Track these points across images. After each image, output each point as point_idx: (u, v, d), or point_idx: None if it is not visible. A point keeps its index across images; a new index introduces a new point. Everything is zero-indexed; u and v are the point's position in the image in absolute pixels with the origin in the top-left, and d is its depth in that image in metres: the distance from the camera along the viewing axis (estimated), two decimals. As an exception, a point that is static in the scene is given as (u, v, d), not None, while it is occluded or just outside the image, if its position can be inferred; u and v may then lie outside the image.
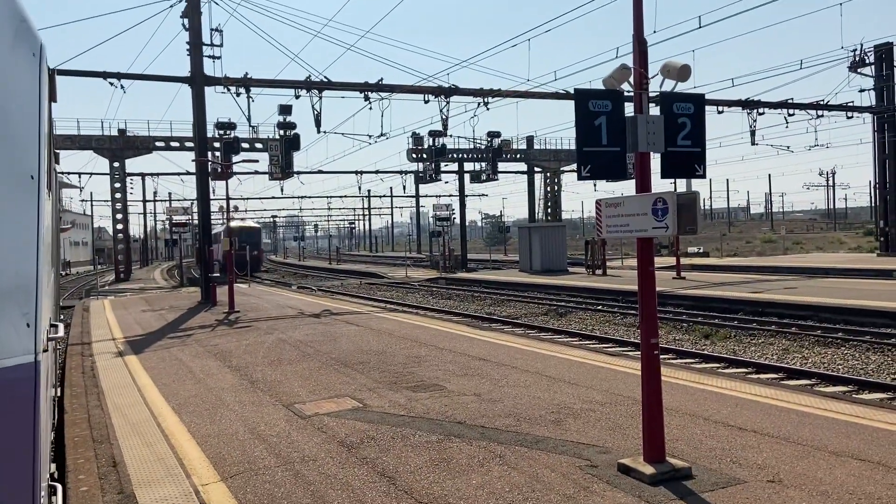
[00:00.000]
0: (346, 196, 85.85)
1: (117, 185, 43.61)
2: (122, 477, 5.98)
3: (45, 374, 3.66)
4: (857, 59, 28.61)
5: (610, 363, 10.33)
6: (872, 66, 28.24)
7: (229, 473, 5.90)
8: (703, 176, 6.13)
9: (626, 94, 5.75)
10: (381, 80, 25.75)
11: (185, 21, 23.64)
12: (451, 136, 36.90)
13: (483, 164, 46.26)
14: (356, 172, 58.07)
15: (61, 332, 4.60)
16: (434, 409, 7.77)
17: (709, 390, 8.36)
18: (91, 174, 76.28)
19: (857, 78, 29.60)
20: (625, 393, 8.25)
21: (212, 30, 24.26)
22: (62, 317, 21.16)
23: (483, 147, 45.09)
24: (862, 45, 28.69)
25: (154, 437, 7.16)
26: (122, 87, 23.34)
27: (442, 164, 43.18)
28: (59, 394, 9.29)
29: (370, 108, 26.64)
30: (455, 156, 48.12)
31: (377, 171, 59.84)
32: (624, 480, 5.38)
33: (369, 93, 25.92)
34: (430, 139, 40.37)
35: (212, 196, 26.94)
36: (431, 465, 5.90)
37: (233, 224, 41.35)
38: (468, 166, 49.05)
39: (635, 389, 7.60)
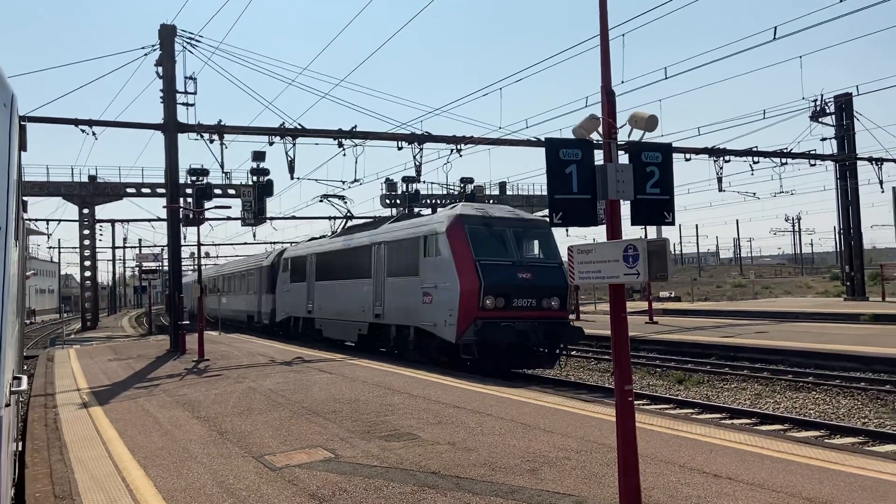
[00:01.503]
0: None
1: (86, 231, 43.05)
2: (83, 535, 5.75)
3: (7, 429, 3.55)
4: (817, 108, 29.56)
5: (585, 409, 10.29)
6: (833, 116, 29.17)
7: (196, 530, 5.72)
8: (672, 223, 6.23)
9: (595, 142, 5.87)
10: (355, 127, 25.98)
11: (160, 69, 23.73)
12: (424, 181, 37.29)
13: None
14: (329, 218, 57.79)
15: (24, 386, 4.48)
16: (408, 459, 7.64)
17: (683, 436, 8.35)
18: (60, 220, 75.05)
19: (819, 127, 30.55)
20: (600, 440, 8.20)
21: (186, 77, 24.35)
22: (25, 367, 20.60)
23: (456, 192, 45.44)
24: (822, 96, 29.71)
25: (119, 492, 6.93)
26: (93, 133, 23.24)
27: (416, 210, 43.38)
28: (20, 448, 8.98)
29: (344, 155, 26.80)
30: (429, 201, 48.44)
31: (351, 217, 59.80)
32: (600, 531, 5.31)
33: (343, 139, 26.10)
34: (404, 185, 40.63)
35: (183, 242, 26.70)
36: (405, 517, 5.77)
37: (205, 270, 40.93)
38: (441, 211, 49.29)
39: (610, 436, 7.56)
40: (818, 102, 29.50)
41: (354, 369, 16.28)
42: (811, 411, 12.50)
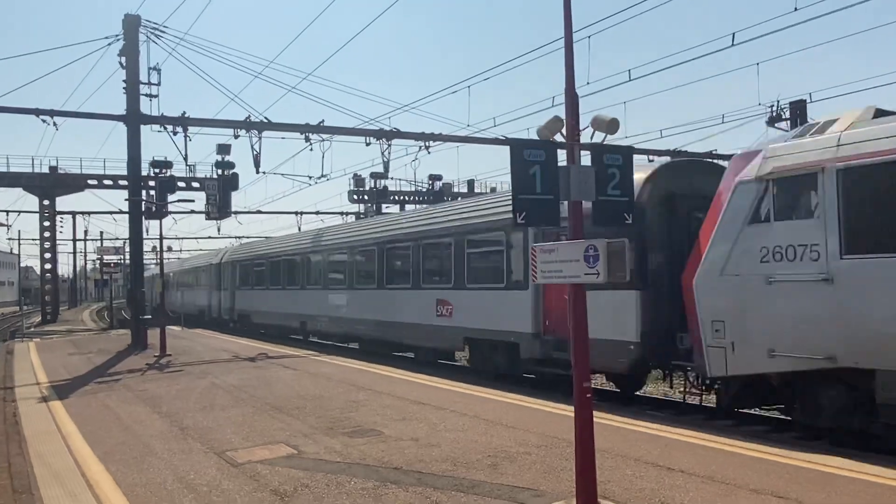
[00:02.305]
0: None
1: (46, 223, 42.23)
2: (42, 530, 5.72)
3: None
4: (774, 114, 30.14)
5: (547, 406, 10.46)
6: (788, 122, 29.81)
7: (157, 524, 5.72)
8: (631, 223, 6.39)
9: (559, 143, 5.98)
10: (323, 121, 25.81)
11: (123, 59, 23.33)
12: (392, 178, 37.34)
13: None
14: (296, 213, 57.41)
15: None
16: (371, 455, 7.71)
17: (641, 431, 8.55)
18: (20, 212, 73.36)
19: (774, 132, 31.20)
20: (560, 435, 8.36)
21: (150, 68, 24.01)
22: (-19, 361, 20.16)
23: (424, 189, 45.53)
24: (778, 102, 30.28)
25: (78, 486, 6.89)
26: (54, 124, 22.74)
27: (383, 206, 43.37)
28: (-25, 443, 8.84)
29: (311, 150, 26.57)
30: (397, 198, 48.44)
31: (318, 213, 59.31)
32: (557, 523, 5.45)
33: (310, 134, 25.89)
34: (372, 181, 40.62)
35: (145, 235, 26.34)
36: (366, 511, 5.85)
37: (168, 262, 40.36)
38: (409, 208, 49.37)
39: (570, 431, 7.71)
40: (774, 108, 30.12)
41: (319, 366, 16.27)
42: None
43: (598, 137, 6.04)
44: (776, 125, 29.83)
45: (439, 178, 46.95)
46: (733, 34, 18.51)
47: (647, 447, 7.73)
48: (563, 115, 5.94)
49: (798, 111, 29.32)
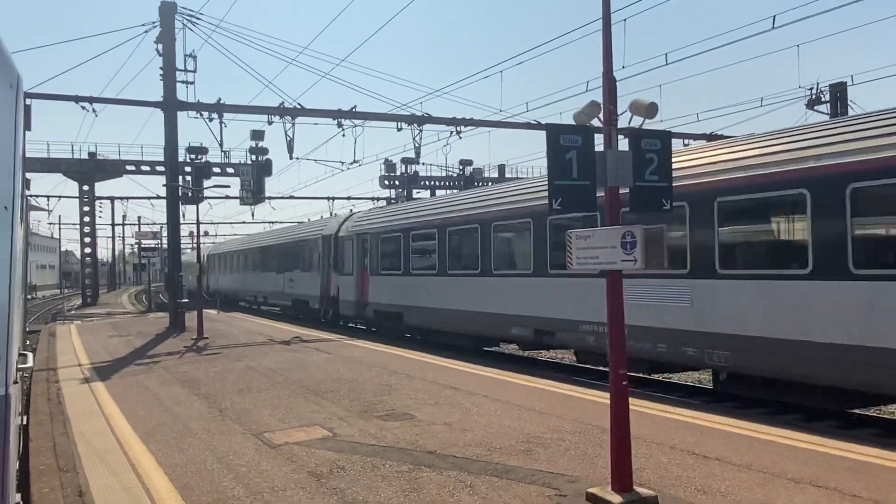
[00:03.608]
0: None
1: (86, 208, 43.10)
2: (87, 507, 5.89)
3: (14, 405, 3.65)
4: (813, 97, 29.48)
5: (579, 392, 10.44)
6: (828, 104, 29.15)
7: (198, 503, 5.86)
8: (671, 210, 6.32)
9: (596, 128, 5.93)
10: (355, 107, 25.94)
11: (159, 47, 23.67)
12: (423, 163, 37.34)
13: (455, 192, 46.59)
14: (328, 198, 58.05)
15: (30, 363, 4.58)
16: (405, 439, 7.78)
17: (674, 419, 8.49)
18: (60, 197, 75.37)
19: (814, 115, 30.55)
20: (594, 422, 8.34)
21: (186, 55, 24.35)
22: (28, 342, 20.71)
23: (455, 175, 45.47)
24: (818, 84, 29.59)
25: (121, 466, 7.07)
26: (93, 110, 23.20)
27: (414, 191, 43.43)
28: (25, 422, 9.12)
29: (343, 135, 26.80)
30: (427, 183, 48.42)
31: (349, 198, 59.92)
32: (592, 509, 5.45)
33: (343, 120, 26.06)
34: (403, 166, 40.66)
35: (182, 220, 26.75)
36: (402, 494, 5.92)
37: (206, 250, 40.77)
38: (440, 193, 49.34)
39: (604, 418, 7.70)
40: (814, 91, 29.44)
41: (352, 349, 16.43)
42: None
43: (635, 122, 5.97)
44: (816, 108, 29.18)
45: (470, 163, 46.82)
46: (774, 17, 18.22)
47: (681, 435, 7.68)
48: (599, 100, 5.88)
49: (838, 93, 28.64)
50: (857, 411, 11.29)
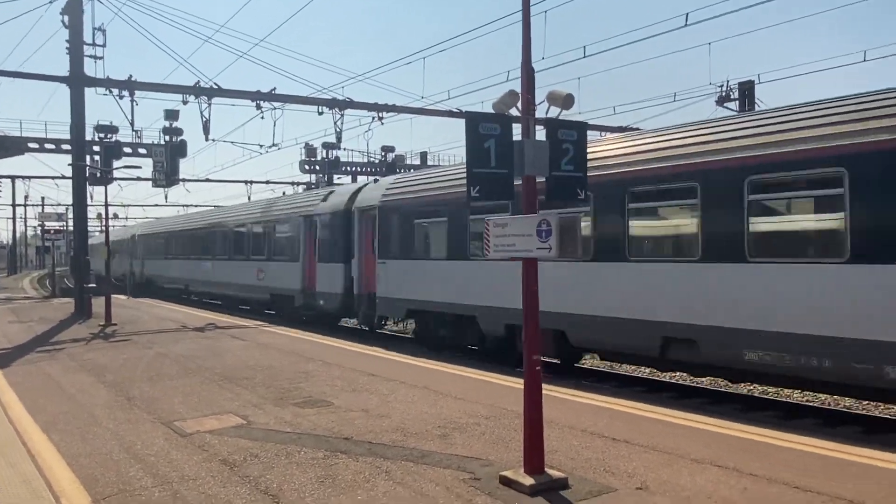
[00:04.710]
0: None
1: (-18, 186, 40.55)
2: (-19, 501, 5.59)
3: None
4: (723, 94, 30.74)
5: (495, 378, 10.60)
6: (737, 102, 30.47)
7: (102, 495, 5.65)
8: (585, 200, 6.48)
9: (514, 118, 6.00)
10: (275, 89, 25.32)
11: (65, 18, 22.45)
12: (344, 148, 36.89)
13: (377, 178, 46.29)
14: (246, 182, 56.52)
15: None
16: (321, 426, 7.73)
17: (586, 403, 8.76)
18: (-47, 174, 70.43)
19: (724, 111, 31.91)
20: (508, 406, 8.50)
21: (94, 28, 23.23)
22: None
23: (377, 161, 45.18)
24: (728, 82, 30.86)
25: (19, 456, 6.74)
26: (-9, 83, 21.83)
27: (335, 177, 42.91)
28: None
29: (262, 118, 26.06)
30: (349, 168, 47.91)
31: (268, 182, 58.57)
32: (505, 492, 5.57)
33: (261, 102, 25.40)
34: (324, 151, 40.08)
35: (90, 202, 25.58)
36: (316, 481, 5.88)
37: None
38: (361, 179, 48.80)
39: (518, 403, 7.84)
40: (724, 88, 30.71)
41: (270, 336, 16.15)
42: (703, 380, 13.26)
43: (553, 113, 6.08)
44: (725, 105, 30.46)
45: (392, 149, 46.58)
46: (686, 14, 18.78)
47: (592, 418, 7.92)
48: (518, 90, 5.96)
49: (746, 91, 29.97)
50: (756, 394, 11.94)
